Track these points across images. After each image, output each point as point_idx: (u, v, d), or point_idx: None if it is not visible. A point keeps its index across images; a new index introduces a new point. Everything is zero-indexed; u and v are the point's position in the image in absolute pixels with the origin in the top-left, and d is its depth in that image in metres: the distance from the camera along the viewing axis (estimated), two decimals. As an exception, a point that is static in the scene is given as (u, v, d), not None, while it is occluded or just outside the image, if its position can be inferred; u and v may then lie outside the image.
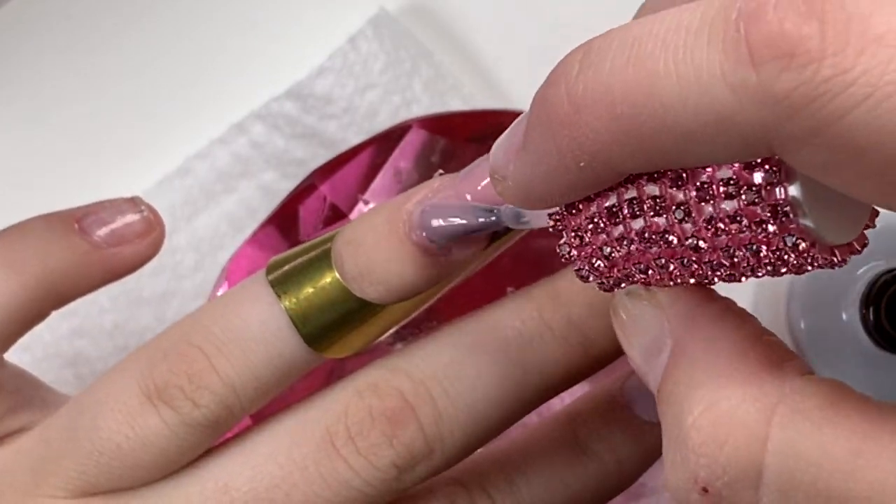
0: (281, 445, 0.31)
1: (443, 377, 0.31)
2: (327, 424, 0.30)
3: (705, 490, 0.23)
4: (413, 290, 0.30)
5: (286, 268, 0.30)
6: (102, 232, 0.34)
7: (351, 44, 0.46)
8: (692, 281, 0.24)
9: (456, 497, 0.32)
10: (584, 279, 0.26)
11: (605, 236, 0.25)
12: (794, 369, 0.24)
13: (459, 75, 0.47)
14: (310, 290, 0.29)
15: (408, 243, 0.29)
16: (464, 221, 0.29)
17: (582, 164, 0.23)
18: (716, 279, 0.24)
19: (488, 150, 0.25)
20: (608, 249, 0.25)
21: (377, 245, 0.29)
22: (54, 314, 0.44)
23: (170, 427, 0.30)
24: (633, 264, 0.25)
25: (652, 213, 0.24)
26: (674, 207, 0.23)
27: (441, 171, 0.31)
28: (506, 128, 0.25)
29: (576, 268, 0.26)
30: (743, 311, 0.25)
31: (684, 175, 0.23)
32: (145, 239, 0.34)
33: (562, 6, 0.48)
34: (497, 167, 0.25)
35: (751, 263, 0.23)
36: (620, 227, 0.24)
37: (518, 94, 0.48)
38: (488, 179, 0.27)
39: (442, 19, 0.48)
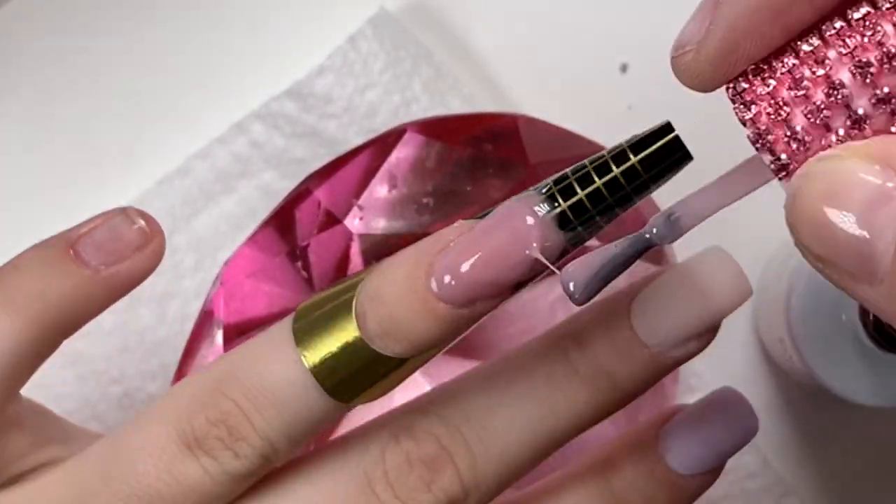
0: (318, 488, 0.31)
1: (476, 422, 0.31)
2: (365, 468, 0.31)
3: None
4: (437, 344, 0.29)
5: (311, 318, 0.30)
6: (99, 254, 0.33)
7: (351, 43, 0.46)
8: None
9: None
10: (772, 153, 0.25)
11: (804, 89, 0.25)
12: None
13: (459, 75, 0.47)
14: (334, 348, 0.29)
15: (431, 299, 0.28)
16: (611, 257, 0.27)
17: None
18: None
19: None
20: (804, 101, 0.25)
21: (399, 301, 0.28)
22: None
23: (211, 476, 0.30)
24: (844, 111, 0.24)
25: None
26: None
27: (460, 220, 0.30)
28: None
29: (760, 133, 0.25)
30: None
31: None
32: (143, 251, 0.33)
33: (562, 6, 0.48)
34: (688, 37, 0.25)
35: None
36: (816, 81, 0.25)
37: (518, 94, 0.48)
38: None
39: (442, 19, 0.48)
